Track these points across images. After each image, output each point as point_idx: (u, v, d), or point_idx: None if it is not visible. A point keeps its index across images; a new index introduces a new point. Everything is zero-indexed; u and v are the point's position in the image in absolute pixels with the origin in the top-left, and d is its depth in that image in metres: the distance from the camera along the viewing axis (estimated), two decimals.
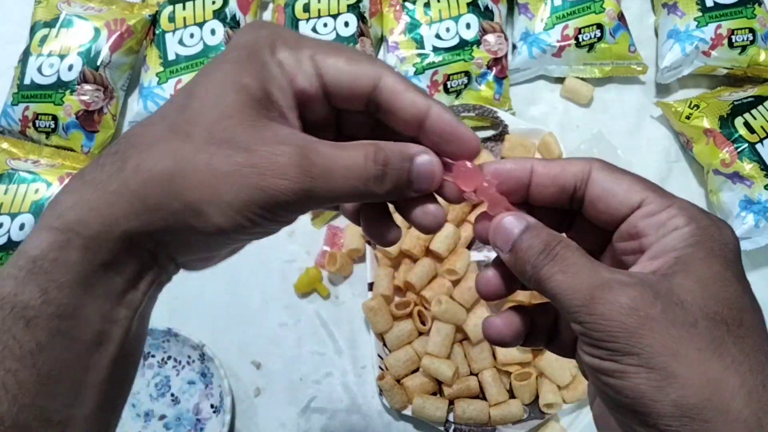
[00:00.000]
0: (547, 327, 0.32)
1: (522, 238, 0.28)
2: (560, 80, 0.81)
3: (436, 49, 0.77)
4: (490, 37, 0.77)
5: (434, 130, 0.28)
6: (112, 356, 0.28)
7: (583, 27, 0.77)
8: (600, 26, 0.77)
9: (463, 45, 0.76)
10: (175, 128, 0.26)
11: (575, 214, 0.31)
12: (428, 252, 0.70)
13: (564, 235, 0.28)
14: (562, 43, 0.77)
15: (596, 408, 0.30)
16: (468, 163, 0.29)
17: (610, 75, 0.79)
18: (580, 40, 0.77)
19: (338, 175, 0.26)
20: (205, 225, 0.26)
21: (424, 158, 0.28)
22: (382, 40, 0.81)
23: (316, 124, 0.29)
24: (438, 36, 0.77)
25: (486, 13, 0.78)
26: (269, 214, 0.26)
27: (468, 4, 0.78)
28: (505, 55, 0.78)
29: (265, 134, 0.25)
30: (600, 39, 0.77)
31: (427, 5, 0.78)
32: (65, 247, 0.25)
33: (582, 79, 0.80)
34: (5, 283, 0.25)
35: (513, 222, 0.28)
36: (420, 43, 0.77)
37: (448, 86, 0.76)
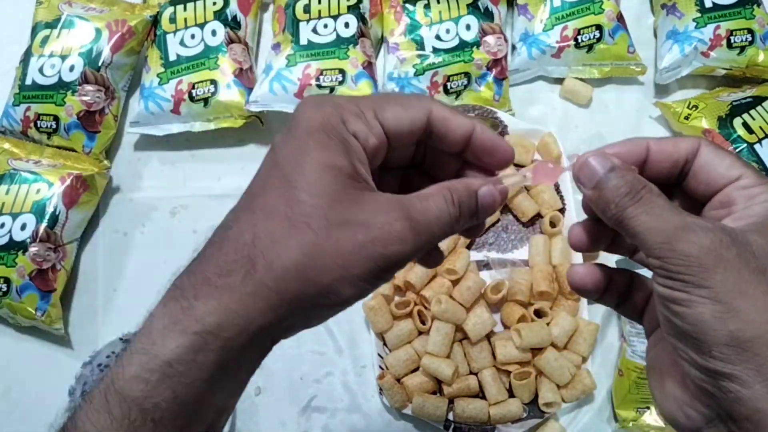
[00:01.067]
0: (621, 288, 0.34)
1: (608, 176, 0.30)
2: (559, 81, 0.81)
3: (436, 50, 0.77)
4: (490, 39, 0.77)
5: (478, 145, 0.33)
6: None
7: (582, 28, 0.77)
8: (599, 27, 0.77)
9: (463, 46, 0.77)
10: (293, 223, 0.28)
11: (669, 188, 0.32)
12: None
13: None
14: (562, 44, 0.78)
15: (651, 359, 0.33)
16: (549, 164, 0.34)
17: (609, 75, 0.79)
18: (579, 40, 0.77)
19: (434, 225, 0.30)
20: (336, 300, 0.29)
21: (486, 189, 0.32)
22: (382, 41, 0.82)
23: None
24: (438, 37, 0.77)
25: (486, 15, 0.78)
26: (389, 275, 0.29)
27: (468, 6, 0.78)
28: (505, 57, 0.78)
29: (370, 206, 0.29)
30: (599, 40, 0.77)
31: (427, 6, 0.78)
32: (202, 350, 0.27)
33: (581, 79, 0.80)
34: (134, 385, 0.27)
35: (599, 161, 0.30)
36: (420, 44, 0.77)
37: (448, 87, 0.77)
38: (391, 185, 0.34)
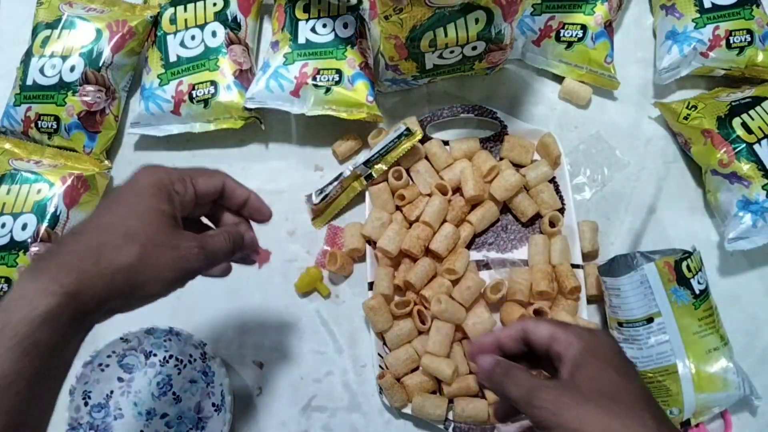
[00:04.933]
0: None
1: (493, 370, 0.45)
2: (559, 81, 0.81)
3: (436, 68, 0.73)
4: (495, 55, 0.73)
5: (251, 206, 0.53)
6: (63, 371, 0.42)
7: (568, 23, 0.77)
8: (584, 27, 0.77)
9: (465, 61, 0.73)
10: (130, 238, 0.42)
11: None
12: (428, 251, 0.70)
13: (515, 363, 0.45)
14: (543, 34, 0.77)
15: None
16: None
17: (582, 80, 0.79)
18: (561, 34, 0.77)
19: (217, 251, 0.48)
20: (146, 293, 0.43)
21: (250, 235, 0.54)
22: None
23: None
24: (441, 56, 0.71)
25: (497, 37, 0.69)
26: (185, 281, 0.46)
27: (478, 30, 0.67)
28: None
29: (181, 238, 0.45)
30: (580, 40, 0.77)
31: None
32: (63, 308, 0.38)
33: (582, 82, 0.80)
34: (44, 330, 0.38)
35: (488, 360, 0.46)
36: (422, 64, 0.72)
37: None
38: (192, 228, 0.49)
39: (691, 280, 0.64)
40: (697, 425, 0.66)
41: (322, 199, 0.73)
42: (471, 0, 0.63)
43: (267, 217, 0.54)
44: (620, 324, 0.66)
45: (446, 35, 0.67)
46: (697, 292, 0.64)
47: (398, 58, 0.71)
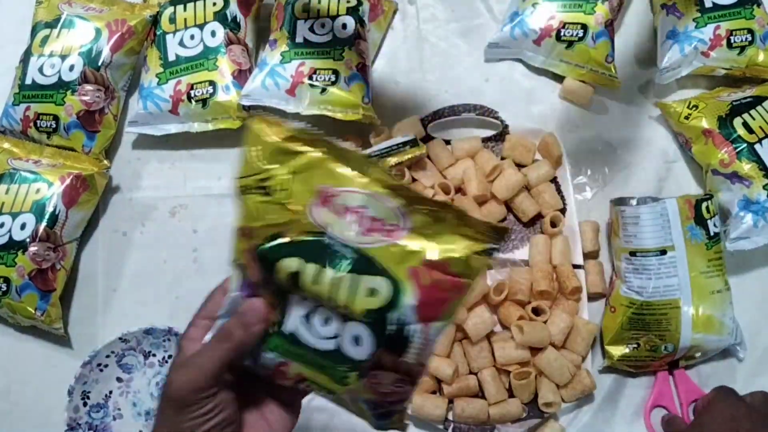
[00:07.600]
0: None
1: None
2: (559, 80, 0.81)
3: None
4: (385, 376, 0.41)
5: None
6: None
7: (568, 23, 0.76)
8: (584, 27, 0.76)
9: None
10: None
11: None
12: None
13: None
14: (544, 33, 0.77)
15: None
16: None
17: (582, 79, 0.78)
18: (562, 34, 0.77)
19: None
20: None
21: None
22: (380, 46, 0.82)
23: None
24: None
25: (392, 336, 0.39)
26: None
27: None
28: None
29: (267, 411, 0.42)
30: (581, 39, 0.76)
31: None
32: None
33: (582, 81, 0.80)
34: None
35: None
36: None
37: None
38: None
39: (708, 221, 0.67)
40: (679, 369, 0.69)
41: None
42: (370, 255, 0.35)
43: None
44: (632, 254, 0.67)
45: (316, 282, 0.35)
46: (712, 233, 0.67)
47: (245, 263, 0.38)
